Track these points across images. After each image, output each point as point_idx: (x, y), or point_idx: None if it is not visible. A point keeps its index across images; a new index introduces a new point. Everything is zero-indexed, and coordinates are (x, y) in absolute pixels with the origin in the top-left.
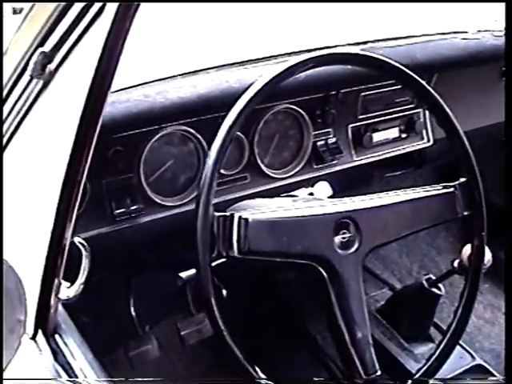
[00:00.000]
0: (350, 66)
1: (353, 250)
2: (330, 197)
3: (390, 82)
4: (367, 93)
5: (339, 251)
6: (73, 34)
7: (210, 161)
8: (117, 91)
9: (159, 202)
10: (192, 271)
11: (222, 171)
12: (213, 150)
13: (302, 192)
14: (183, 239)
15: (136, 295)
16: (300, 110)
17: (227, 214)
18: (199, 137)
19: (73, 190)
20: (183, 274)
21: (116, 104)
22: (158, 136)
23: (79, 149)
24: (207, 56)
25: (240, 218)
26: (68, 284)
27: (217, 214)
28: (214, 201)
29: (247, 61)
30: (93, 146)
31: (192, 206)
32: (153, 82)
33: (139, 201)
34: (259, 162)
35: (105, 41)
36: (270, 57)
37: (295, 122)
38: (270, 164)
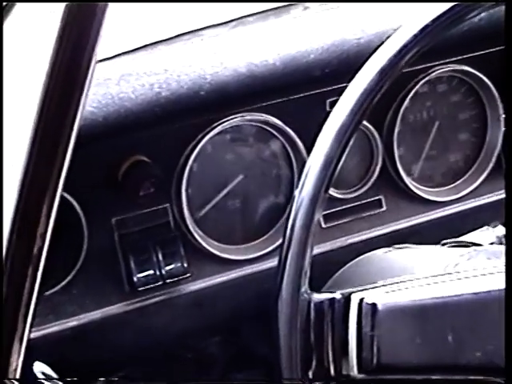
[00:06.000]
0: None
1: None
2: None
3: None
4: None
5: None
6: None
7: (310, 179)
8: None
9: (219, 254)
10: None
11: (333, 193)
12: (315, 159)
13: (487, 235)
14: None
15: None
16: (479, 74)
17: (336, 295)
18: (289, 132)
19: (31, 248)
20: None
21: (128, 77)
22: (213, 133)
23: (41, 162)
24: None
25: (361, 302)
26: None
27: (316, 296)
28: (316, 250)
29: None
30: (68, 155)
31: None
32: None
33: (180, 255)
34: (403, 173)
35: None
36: None
37: (471, 97)
38: (424, 177)
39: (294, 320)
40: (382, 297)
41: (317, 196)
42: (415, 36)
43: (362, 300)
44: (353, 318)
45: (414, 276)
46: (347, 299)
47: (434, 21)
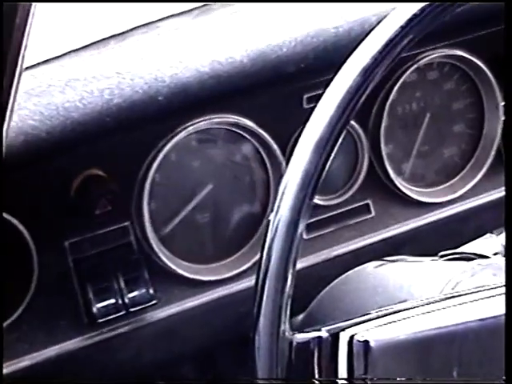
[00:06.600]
0: None
1: None
2: None
3: None
4: None
5: None
6: None
7: (286, 200)
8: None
9: (188, 276)
10: None
11: (315, 199)
12: (292, 177)
13: (491, 244)
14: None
15: None
16: (473, 59)
17: (322, 333)
18: (262, 133)
19: None
20: None
21: (74, 82)
22: (176, 139)
23: None
24: None
25: (352, 340)
26: None
27: (299, 336)
28: (297, 265)
29: None
30: None
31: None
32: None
33: (144, 279)
34: (392, 174)
35: None
36: None
37: (465, 84)
38: (416, 176)
39: (273, 365)
40: (375, 332)
41: (295, 220)
42: (402, 28)
43: (352, 338)
44: (342, 359)
45: (410, 303)
46: (335, 337)
47: (423, 9)
